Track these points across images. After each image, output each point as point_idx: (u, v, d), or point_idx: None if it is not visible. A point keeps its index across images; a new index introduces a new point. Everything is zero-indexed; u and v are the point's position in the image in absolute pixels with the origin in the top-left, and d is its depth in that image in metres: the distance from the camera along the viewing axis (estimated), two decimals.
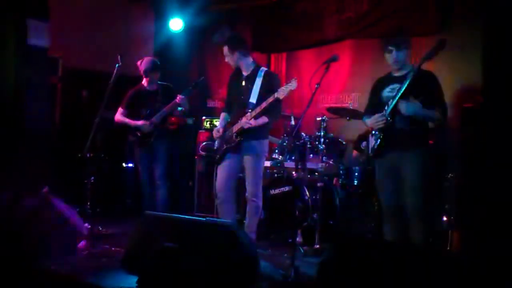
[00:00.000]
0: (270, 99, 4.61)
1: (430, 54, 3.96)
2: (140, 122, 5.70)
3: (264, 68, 4.96)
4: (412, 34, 5.74)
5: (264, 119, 4.73)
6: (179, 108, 5.79)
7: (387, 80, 4.33)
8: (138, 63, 5.83)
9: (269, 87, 4.72)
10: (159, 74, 5.84)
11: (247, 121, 4.67)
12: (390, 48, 4.18)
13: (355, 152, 5.65)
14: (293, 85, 4.53)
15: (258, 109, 4.67)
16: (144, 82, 5.85)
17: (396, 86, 4.14)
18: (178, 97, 5.60)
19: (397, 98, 4.05)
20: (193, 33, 7.86)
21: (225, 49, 4.90)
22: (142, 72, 5.80)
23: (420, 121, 4.14)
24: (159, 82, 5.88)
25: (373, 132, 4.30)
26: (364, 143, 4.59)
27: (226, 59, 4.95)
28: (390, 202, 4.25)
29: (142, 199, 5.93)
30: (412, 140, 4.13)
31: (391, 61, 4.23)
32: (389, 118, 4.13)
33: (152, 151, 5.78)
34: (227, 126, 4.96)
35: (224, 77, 6.35)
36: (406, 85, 4.00)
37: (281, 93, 4.54)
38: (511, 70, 4.28)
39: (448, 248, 4.60)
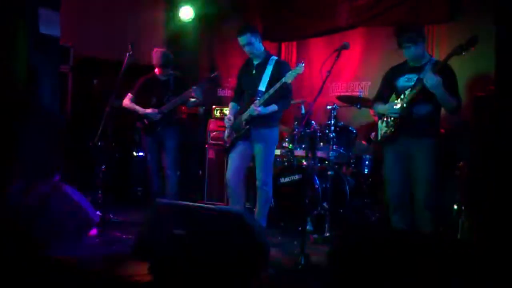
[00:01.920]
0: (278, 85, 4.62)
1: (458, 49, 3.89)
2: (149, 110, 5.73)
3: (275, 57, 4.96)
4: (423, 21, 5.71)
5: (273, 107, 4.75)
6: (192, 100, 5.81)
7: (403, 69, 4.31)
8: (154, 51, 5.86)
9: (278, 76, 4.72)
10: (169, 68, 5.87)
11: (255, 107, 4.68)
12: (407, 45, 4.14)
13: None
14: (300, 68, 4.54)
15: (266, 96, 4.68)
16: (157, 71, 5.88)
17: (414, 76, 4.14)
18: (191, 89, 5.62)
19: (414, 92, 4.05)
20: (203, 21, 7.85)
21: (247, 37, 4.81)
22: (155, 63, 5.82)
23: (434, 110, 4.14)
24: (171, 72, 5.90)
25: (385, 118, 4.30)
26: (373, 134, 4.59)
27: (247, 49, 4.86)
28: (399, 190, 4.26)
29: (149, 187, 5.96)
30: (426, 128, 4.14)
31: (410, 57, 4.22)
32: (406, 106, 4.13)
33: (160, 140, 5.81)
34: (236, 114, 4.97)
35: (234, 66, 6.35)
36: (422, 85, 3.99)
37: (288, 78, 4.56)
38: None
39: (459, 237, 4.59)
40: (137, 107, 5.81)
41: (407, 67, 4.30)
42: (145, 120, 5.79)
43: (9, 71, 5.60)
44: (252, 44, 4.83)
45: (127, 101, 5.86)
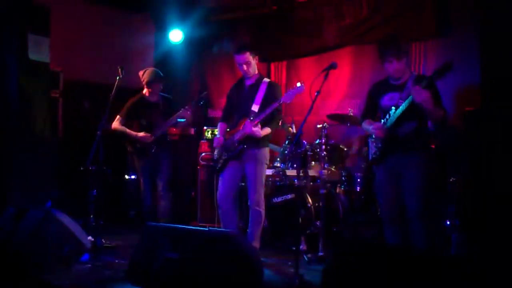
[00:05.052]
0: (275, 104, 4.63)
1: (436, 76, 3.90)
2: (140, 134, 5.71)
3: (267, 79, 4.98)
4: (410, 38, 5.79)
5: (267, 129, 4.75)
6: (181, 120, 5.81)
7: (385, 87, 4.32)
8: (140, 73, 5.84)
9: (271, 97, 4.75)
10: (161, 85, 5.86)
11: (256, 129, 4.66)
12: (390, 59, 4.16)
13: (349, 161, 5.68)
14: (300, 89, 4.55)
15: (262, 115, 4.67)
16: (145, 92, 5.86)
17: (396, 94, 4.16)
18: (181, 110, 5.62)
19: (400, 110, 4.07)
20: (193, 44, 7.89)
21: (246, 56, 4.78)
22: (144, 82, 5.81)
23: (419, 126, 4.16)
24: (160, 94, 5.90)
25: (374, 137, 4.32)
26: (365, 148, 4.61)
27: (244, 68, 4.82)
28: (391, 206, 4.26)
29: (142, 211, 5.94)
30: (413, 145, 4.15)
31: (391, 71, 4.22)
32: (391, 127, 4.15)
33: (154, 163, 5.80)
34: (226, 135, 4.97)
35: (225, 87, 6.37)
36: (409, 101, 4.01)
37: (287, 97, 4.58)
38: (509, 72, 4.29)
39: (452, 252, 4.59)
40: (128, 131, 5.78)
41: (388, 85, 4.31)
42: (137, 144, 5.77)
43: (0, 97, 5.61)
44: (249, 64, 4.81)
45: (116, 124, 5.83)
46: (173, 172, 5.94)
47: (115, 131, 5.83)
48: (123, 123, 5.83)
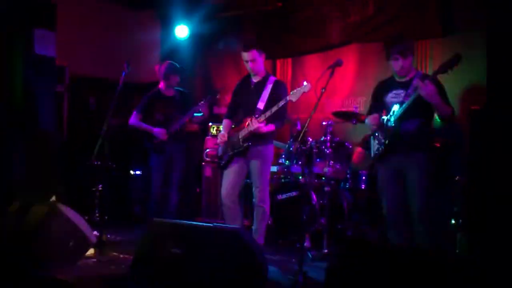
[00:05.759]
0: (282, 103, 4.63)
1: (444, 67, 3.91)
2: (157, 129, 5.70)
3: (273, 77, 4.98)
4: (415, 37, 5.77)
5: (271, 127, 4.76)
6: (198, 114, 5.81)
7: (390, 84, 4.33)
8: (157, 67, 5.84)
9: (276, 96, 4.75)
10: (178, 78, 5.84)
11: (261, 125, 4.67)
12: (396, 56, 4.16)
13: (355, 157, 5.66)
14: (306, 87, 4.55)
15: (268, 113, 4.67)
16: (162, 86, 5.85)
17: (401, 91, 4.16)
18: (199, 105, 5.62)
19: (405, 105, 4.06)
20: (198, 40, 7.89)
21: (253, 53, 4.78)
22: (161, 76, 5.79)
23: (423, 124, 4.15)
24: (176, 88, 5.88)
25: (376, 134, 4.32)
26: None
27: (250, 65, 4.83)
28: (395, 206, 4.25)
29: (149, 205, 5.94)
30: (416, 143, 4.14)
31: (397, 69, 4.23)
32: (393, 123, 4.14)
33: (169, 158, 5.79)
34: (231, 131, 4.97)
35: (229, 84, 6.37)
36: (415, 96, 4.01)
37: (293, 96, 4.58)
38: None
39: (457, 251, 4.58)
40: (145, 126, 5.77)
41: (394, 82, 4.32)
42: (154, 139, 5.76)
43: (5, 91, 5.62)
44: (256, 61, 4.81)
45: (133, 120, 5.82)
46: (186, 169, 5.93)
47: (132, 126, 5.82)
48: (139, 118, 5.81)
